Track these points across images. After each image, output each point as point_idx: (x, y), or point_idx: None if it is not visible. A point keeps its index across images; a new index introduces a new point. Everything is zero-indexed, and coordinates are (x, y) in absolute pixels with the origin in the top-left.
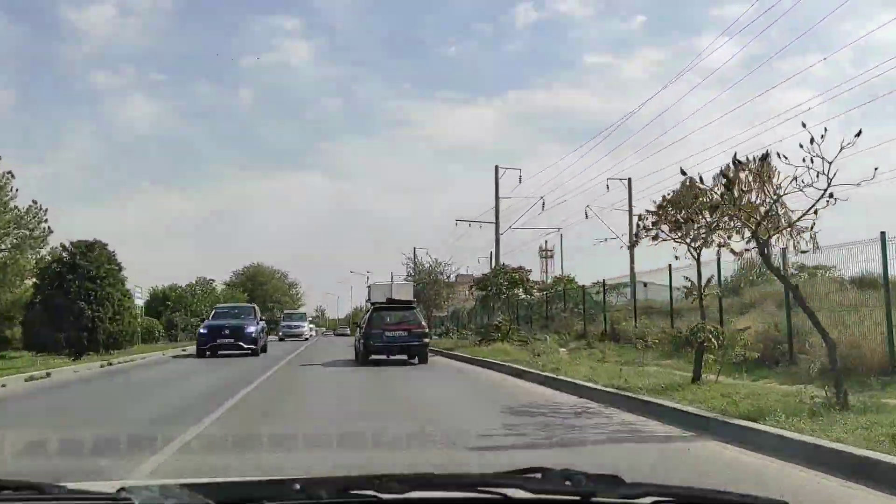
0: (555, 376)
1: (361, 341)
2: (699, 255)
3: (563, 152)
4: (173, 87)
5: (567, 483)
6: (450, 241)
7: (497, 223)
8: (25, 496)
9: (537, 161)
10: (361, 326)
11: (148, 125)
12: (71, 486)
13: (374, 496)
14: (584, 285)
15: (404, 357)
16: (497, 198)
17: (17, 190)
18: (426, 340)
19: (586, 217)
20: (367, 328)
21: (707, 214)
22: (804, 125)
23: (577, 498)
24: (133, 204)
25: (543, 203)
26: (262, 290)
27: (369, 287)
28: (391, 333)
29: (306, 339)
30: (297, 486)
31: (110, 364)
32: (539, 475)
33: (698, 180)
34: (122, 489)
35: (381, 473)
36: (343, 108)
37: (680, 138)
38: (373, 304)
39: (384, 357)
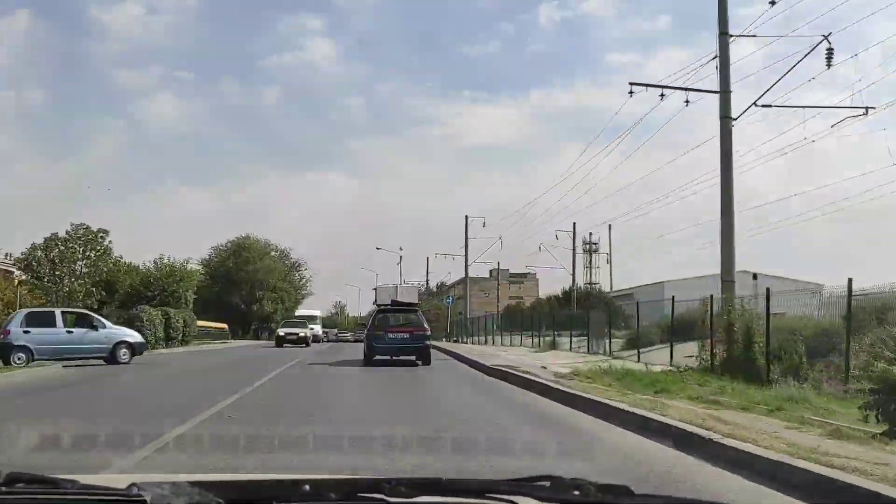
0: None
1: (366, 343)
2: None
3: (587, 152)
4: (199, 85)
5: (576, 492)
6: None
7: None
8: (38, 490)
9: (561, 162)
10: (367, 328)
11: (174, 123)
12: (83, 480)
13: (383, 499)
14: None
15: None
16: None
17: None
18: (428, 343)
19: None
20: (372, 330)
21: None
22: None
23: None
24: (159, 200)
25: None
26: (246, 271)
27: (375, 289)
28: (394, 335)
29: None
30: (307, 487)
31: None
32: (548, 483)
33: None
34: (134, 485)
35: (389, 477)
36: (366, 106)
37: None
38: (378, 306)
39: (388, 358)
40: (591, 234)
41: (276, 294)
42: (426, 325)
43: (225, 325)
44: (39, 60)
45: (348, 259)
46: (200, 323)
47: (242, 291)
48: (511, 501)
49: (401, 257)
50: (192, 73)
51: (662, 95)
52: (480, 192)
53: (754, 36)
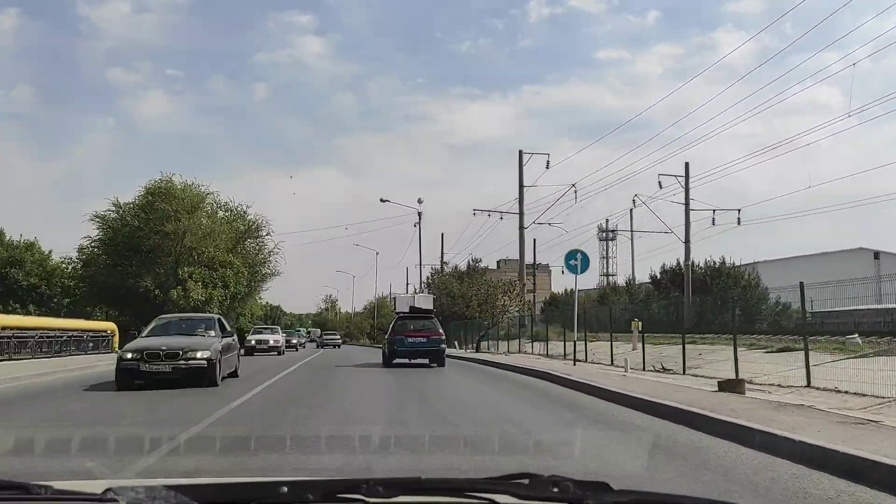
0: None
1: (386, 346)
2: None
3: (578, 148)
4: (189, 83)
5: (555, 489)
6: None
7: None
8: (11, 496)
9: (554, 158)
10: (387, 333)
11: (165, 120)
12: (57, 485)
13: (362, 500)
14: None
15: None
16: None
17: None
18: (443, 346)
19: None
20: (392, 335)
21: None
22: None
23: None
24: None
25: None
26: (163, 233)
27: (394, 298)
28: (412, 340)
29: None
30: (285, 489)
31: None
32: (526, 481)
33: None
34: (109, 490)
35: (368, 478)
36: (357, 104)
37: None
38: (397, 313)
39: (407, 360)
40: (607, 220)
41: (215, 272)
42: (441, 330)
43: (110, 326)
44: (29, 58)
45: (344, 255)
46: (62, 324)
47: (159, 268)
48: (489, 499)
49: (419, 213)
50: (182, 70)
51: None
52: (473, 187)
53: None
